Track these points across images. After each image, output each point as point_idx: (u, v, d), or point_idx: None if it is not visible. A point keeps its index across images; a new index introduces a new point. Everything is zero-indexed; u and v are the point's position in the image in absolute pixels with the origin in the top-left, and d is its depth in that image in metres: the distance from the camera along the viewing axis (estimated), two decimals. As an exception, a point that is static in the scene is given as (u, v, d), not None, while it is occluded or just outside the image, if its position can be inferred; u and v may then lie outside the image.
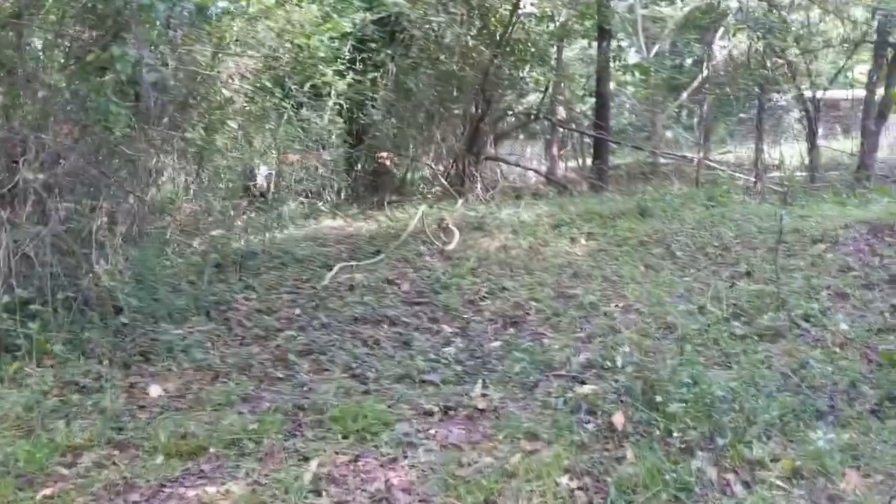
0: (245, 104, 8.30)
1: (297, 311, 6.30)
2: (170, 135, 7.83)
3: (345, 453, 3.88)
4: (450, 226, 8.45)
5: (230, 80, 8.13)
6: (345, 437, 4.03)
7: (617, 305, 5.87)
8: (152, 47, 5.46)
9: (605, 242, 7.65)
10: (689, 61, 25.51)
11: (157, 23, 5.58)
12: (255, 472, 3.72)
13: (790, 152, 15.07)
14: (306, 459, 3.80)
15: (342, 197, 12.11)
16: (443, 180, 11.98)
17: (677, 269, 6.63)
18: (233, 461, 3.82)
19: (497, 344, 5.40)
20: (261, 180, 12.59)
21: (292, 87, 9.33)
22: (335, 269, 7.27)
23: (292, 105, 8.79)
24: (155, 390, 4.87)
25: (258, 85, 8.48)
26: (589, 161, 16.14)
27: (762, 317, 5.24)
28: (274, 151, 8.66)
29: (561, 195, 12.59)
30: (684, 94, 20.86)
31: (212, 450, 3.93)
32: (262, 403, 4.56)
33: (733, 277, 6.23)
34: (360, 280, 6.93)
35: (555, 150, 18.17)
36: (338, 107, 11.62)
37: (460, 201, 10.23)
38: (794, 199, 10.52)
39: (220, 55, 7.47)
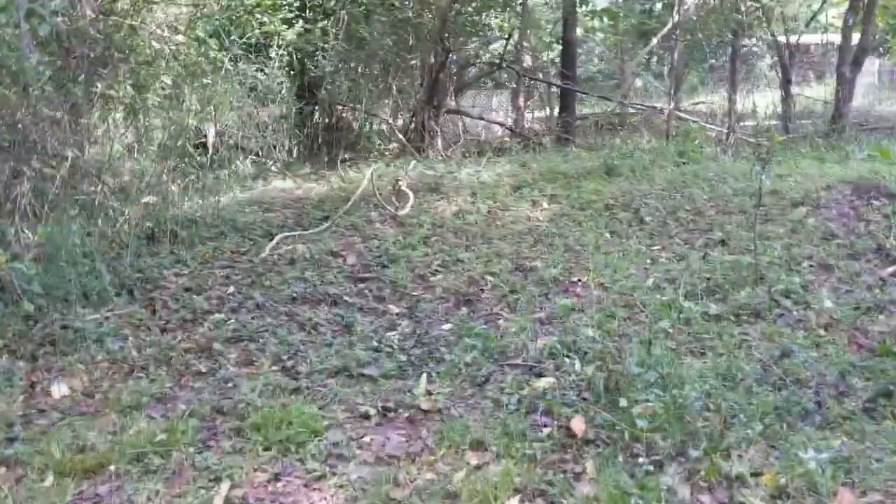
0: (175, 58, 7.55)
1: (231, 288, 5.71)
2: (91, 92, 7.09)
3: (263, 470, 3.36)
4: (404, 188, 7.85)
5: (159, 32, 7.36)
6: (266, 449, 3.51)
7: (580, 280, 5.34)
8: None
9: (568, 206, 7.09)
10: (658, 6, 24.79)
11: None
12: (158, 497, 3.20)
13: (763, 101, 14.55)
14: (218, 480, 3.29)
15: (294, 155, 11.40)
16: (400, 136, 11.31)
17: (645, 237, 6.10)
18: (135, 481, 3.30)
19: (447, 327, 4.87)
20: (212, 138, 11.83)
21: (230, 38, 8.57)
22: (275, 239, 6.66)
23: (230, 58, 8.03)
24: (58, 390, 4.31)
25: (192, 37, 7.72)
26: (556, 112, 15.53)
27: (739, 293, 4.74)
28: (211, 109, 7.90)
29: (526, 150, 11.99)
30: (654, 41, 20.12)
31: (112, 467, 3.41)
32: (177, 405, 4.01)
33: (707, 247, 5.72)
34: (302, 252, 6.33)
35: (521, 100, 17.49)
36: (286, 58, 10.84)
37: (413, 162, 9.58)
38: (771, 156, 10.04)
39: (141, 2, 6.70)
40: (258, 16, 8.93)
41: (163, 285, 5.81)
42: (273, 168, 10.54)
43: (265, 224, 7.42)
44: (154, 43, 7.53)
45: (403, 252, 6.19)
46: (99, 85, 7.16)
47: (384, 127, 11.57)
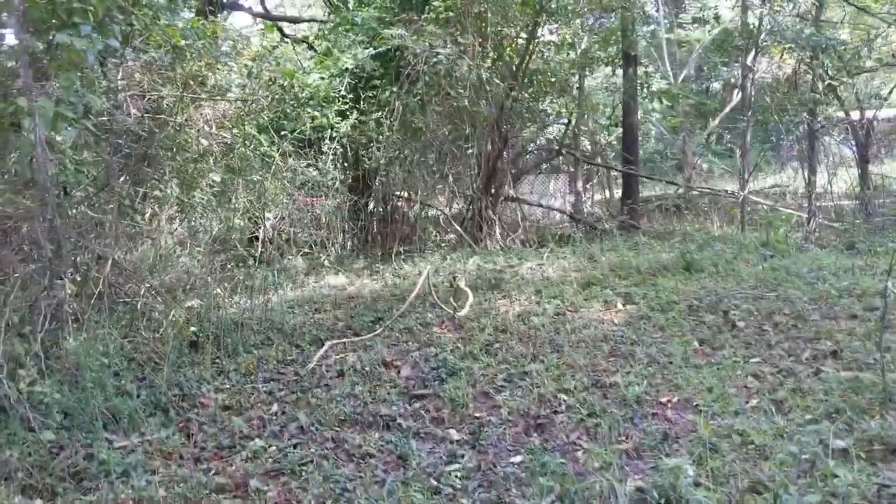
0: (224, 155, 7.26)
1: (274, 407, 5.15)
2: (135, 191, 6.80)
3: None
4: (461, 286, 7.29)
5: (206, 129, 7.09)
6: None
7: (669, 401, 4.62)
8: (76, 91, 4.39)
9: (646, 307, 6.39)
10: (716, 85, 24.34)
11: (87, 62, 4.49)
12: None
13: (837, 181, 13.73)
14: None
15: (348, 248, 11.02)
16: (457, 226, 10.84)
17: (740, 346, 5.35)
18: None
19: (517, 460, 4.18)
20: (262, 234, 11.56)
21: (284, 132, 8.30)
22: (324, 347, 6.13)
23: (281, 153, 7.73)
24: (76, 537, 3.77)
25: (241, 133, 7.44)
26: (617, 194, 14.95)
27: (867, 421, 3.96)
28: (261, 205, 7.58)
29: (590, 238, 11.39)
30: (715, 121, 19.64)
31: None
32: (204, 563, 3.41)
33: (816, 359, 4.94)
34: (352, 363, 5.76)
35: (579, 184, 17.01)
36: (339, 150, 10.58)
37: (473, 259, 9.05)
38: (856, 240, 9.24)
39: (186, 99, 6.43)
40: (309, 110, 8.66)
41: (201, 403, 5.30)
42: (326, 262, 10.14)
43: (315, 327, 6.92)
44: (202, 140, 7.25)
45: (464, 363, 5.56)
46: (145, 184, 6.88)
47: (440, 217, 11.13)
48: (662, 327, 5.90)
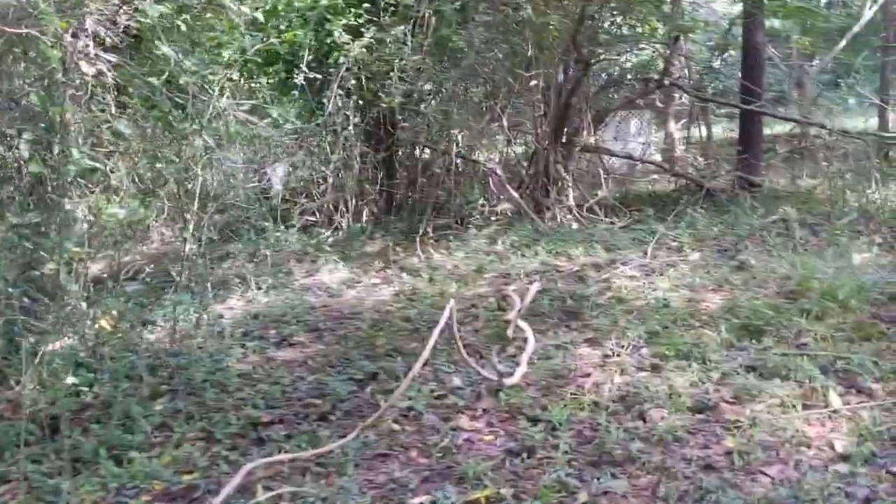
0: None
1: None
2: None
3: None
4: (515, 315, 4.24)
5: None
6: None
7: None
8: None
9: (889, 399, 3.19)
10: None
11: None
12: None
13: None
14: None
15: (363, 220, 7.97)
16: (512, 191, 7.66)
17: None
18: None
19: None
20: (276, 183, 8.64)
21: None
22: (238, 477, 3.13)
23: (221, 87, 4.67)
24: None
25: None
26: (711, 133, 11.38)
27: None
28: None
29: (698, 202, 8.13)
30: (842, 42, 15.64)
31: None
32: None
33: None
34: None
35: (672, 126, 13.50)
36: (353, 83, 7.46)
37: (536, 247, 5.93)
38: None
39: None
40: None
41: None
42: (327, 245, 7.14)
43: (261, 390, 3.98)
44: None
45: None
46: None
47: (490, 176, 7.94)
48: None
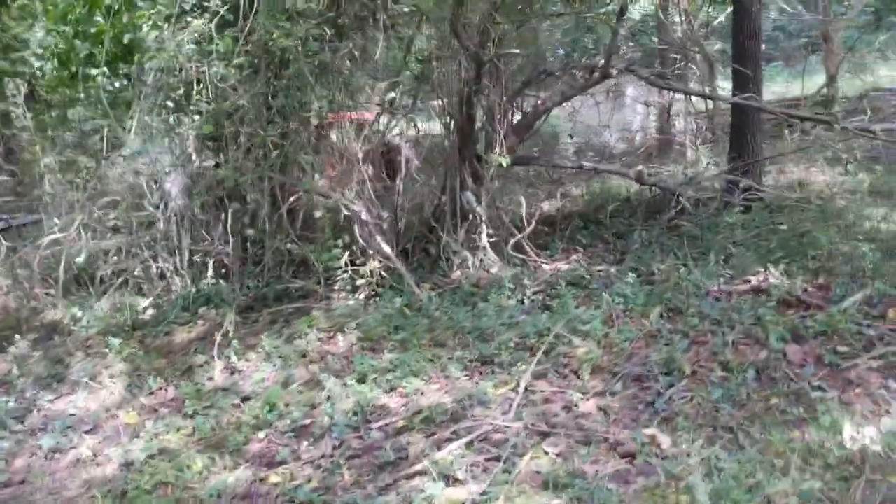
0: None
1: None
2: None
3: None
4: None
5: None
6: None
7: None
8: None
9: None
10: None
11: None
12: None
13: None
14: None
15: (209, 277, 5.80)
16: (383, 245, 5.40)
17: None
18: None
19: None
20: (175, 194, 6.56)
21: None
22: None
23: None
24: None
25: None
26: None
27: None
28: None
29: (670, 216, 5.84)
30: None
31: None
32: None
33: None
34: None
35: (642, 110, 10.86)
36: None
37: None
38: None
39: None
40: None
41: None
42: (127, 328, 5.09)
43: None
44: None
45: None
46: None
47: (356, 224, 5.65)
48: None
